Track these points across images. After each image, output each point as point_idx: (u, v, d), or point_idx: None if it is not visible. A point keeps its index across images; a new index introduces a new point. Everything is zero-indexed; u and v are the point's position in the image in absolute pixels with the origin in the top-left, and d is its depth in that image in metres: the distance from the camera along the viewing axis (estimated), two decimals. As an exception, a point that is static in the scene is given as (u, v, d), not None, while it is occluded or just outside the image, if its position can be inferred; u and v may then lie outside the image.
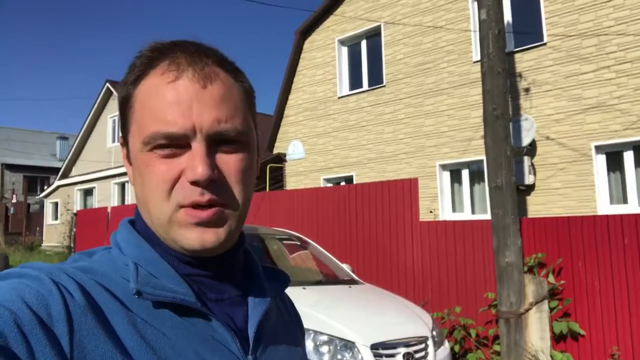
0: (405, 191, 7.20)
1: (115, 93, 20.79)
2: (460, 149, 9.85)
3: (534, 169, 8.72)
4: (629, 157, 8.09)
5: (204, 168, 0.65)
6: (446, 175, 10.27)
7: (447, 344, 4.77)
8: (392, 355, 4.06)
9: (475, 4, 6.34)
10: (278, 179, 13.30)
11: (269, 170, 12.78)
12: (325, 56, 12.58)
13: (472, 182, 9.98)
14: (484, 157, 6.24)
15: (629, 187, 8.06)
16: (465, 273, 6.46)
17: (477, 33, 6.16)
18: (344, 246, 7.69)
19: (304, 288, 4.80)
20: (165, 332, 0.65)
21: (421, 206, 7.98)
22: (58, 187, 24.39)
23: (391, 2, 11.28)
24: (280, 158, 13.14)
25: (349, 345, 3.99)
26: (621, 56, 8.04)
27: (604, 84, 8.18)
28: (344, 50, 12.51)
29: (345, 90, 12.27)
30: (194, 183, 0.66)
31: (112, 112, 21.57)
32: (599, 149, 8.27)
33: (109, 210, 13.16)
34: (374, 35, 11.84)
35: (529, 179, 8.62)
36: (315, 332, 4.03)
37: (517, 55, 9.12)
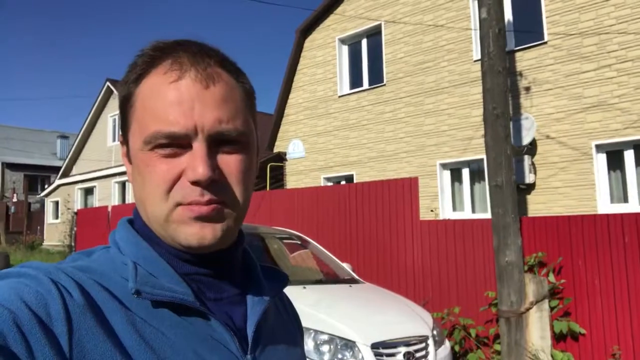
0: (405, 190, 7.20)
1: (115, 92, 20.79)
2: (461, 148, 9.85)
3: (534, 168, 8.72)
4: (629, 156, 8.09)
5: (205, 168, 0.65)
6: (446, 174, 10.27)
7: (447, 343, 4.77)
8: (393, 355, 4.06)
9: (476, 2, 6.33)
10: (278, 178, 13.30)
11: (269, 169, 12.79)
12: (325, 55, 12.58)
13: (473, 181, 9.98)
14: (484, 156, 6.24)
15: (630, 186, 8.05)
16: (465, 272, 6.46)
17: (478, 32, 6.16)
18: (344, 245, 7.69)
19: (305, 287, 4.80)
20: (164, 332, 0.65)
21: (421, 205, 7.98)
22: (59, 186, 24.41)
23: (391, 0, 11.27)
24: (281, 157, 13.14)
25: (349, 345, 3.99)
26: (622, 55, 8.04)
27: (604, 83, 8.17)
28: (345, 49, 12.51)
29: (346, 89, 12.27)
30: (195, 183, 0.66)
31: (112, 111, 21.58)
32: (599, 147, 8.26)
33: (109, 209, 13.16)
34: (374, 34, 11.83)
35: (529, 178, 8.62)
36: (316, 331, 4.03)
37: (517, 54, 9.11)
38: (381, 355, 4.01)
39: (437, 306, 6.48)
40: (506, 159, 5.73)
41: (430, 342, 4.33)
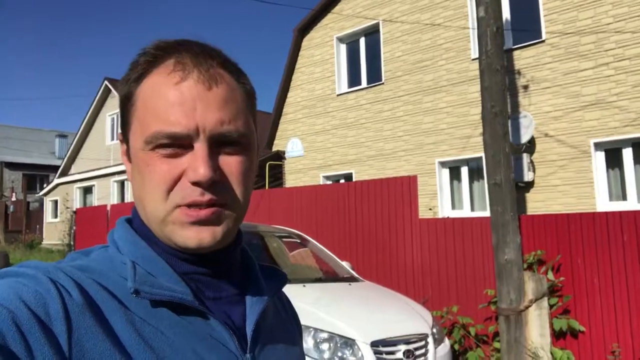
0: (404, 188, 7.21)
1: (114, 91, 20.78)
2: (459, 146, 9.85)
3: (533, 166, 8.73)
4: (627, 154, 8.10)
5: (206, 169, 0.65)
6: (445, 172, 10.27)
7: (447, 342, 4.77)
8: (393, 353, 4.06)
9: (474, 1, 6.34)
10: (277, 176, 13.30)
11: (268, 167, 12.79)
12: (323, 54, 12.57)
13: (472, 180, 9.98)
14: (483, 154, 6.24)
15: (628, 184, 8.06)
16: (464, 270, 6.46)
17: (476, 30, 6.15)
18: (343, 244, 7.69)
19: (304, 285, 4.80)
20: (163, 331, 0.65)
21: (420, 203, 7.99)
22: (57, 185, 24.39)
23: (390, -1, 11.27)
24: (280, 156, 13.14)
25: (349, 343, 4.00)
26: (620, 53, 8.04)
27: (602, 81, 8.18)
28: (343, 47, 12.50)
29: (344, 87, 12.27)
30: (196, 184, 0.66)
31: (110, 110, 21.55)
32: (597, 146, 8.27)
33: (108, 208, 13.15)
34: (372, 33, 11.83)
35: (528, 176, 8.62)
36: (316, 329, 4.03)
37: (515, 53, 9.11)
38: (381, 353, 4.01)
39: (437, 304, 6.48)
40: (505, 157, 5.73)
41: (430, 340, 4.33)
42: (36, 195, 28.03)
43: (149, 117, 0.68)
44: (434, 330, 4.51)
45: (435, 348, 4.35)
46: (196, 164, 0.65)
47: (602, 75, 8.19)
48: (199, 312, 0.69)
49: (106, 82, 21.16)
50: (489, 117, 5.82)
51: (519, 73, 9.07)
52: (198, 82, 0.67)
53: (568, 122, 8.50)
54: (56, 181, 24.44)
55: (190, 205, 0.67)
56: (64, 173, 23.98)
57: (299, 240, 6.17)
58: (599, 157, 8.30)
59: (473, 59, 9.58)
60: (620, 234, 5.41)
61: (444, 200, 10.15)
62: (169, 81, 0.67)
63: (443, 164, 10.24)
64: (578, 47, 8.47)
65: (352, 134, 11.77)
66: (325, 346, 3.99)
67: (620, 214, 5.49)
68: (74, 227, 14.78)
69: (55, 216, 24.38)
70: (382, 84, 11.29)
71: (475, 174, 9.91)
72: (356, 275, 5.78)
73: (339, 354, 3.96)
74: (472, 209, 9.85)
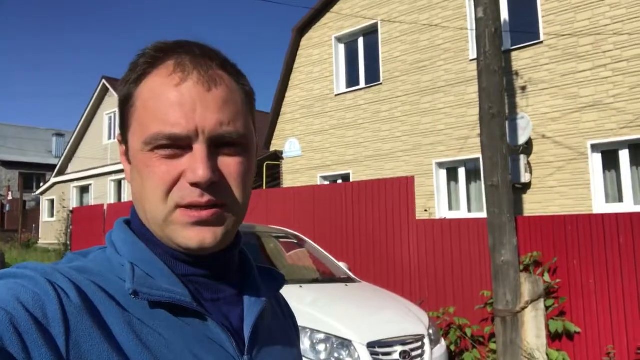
0: (402, 189, 7.21)
1: (111, 90, 20.73)
2: (457, 147, 9.87)
3: (530, 167, 8.74)
4: (624, 155, 8.12)
5: (205, 170, 0.65)
6: (443, 173, 10.29)
7: (443, 342, 4.78)
8: (389, 354, 4.06)
9: (472, 2, 6.36)
10: (275, 176, 13.30)
11: (265, 167, 12.78)
12: (322, 53, 12.57)
13: (469, 181, 10.00)
14: (480, 156, 6.25)
15: (625, 186, 8.08)
16: (461, 271, 6.47)
17: (474, 31, 6.17)
18: (340, 244, 7.69)
19: (301, 286, 4.80)
20: (161, 332, 0.65)
21: (418, 204, 7.99)
22: (54, 184, 24.34)
23: None
24: (277, 156, 13.14)
25: (345, 344, 4.00)
26: (617, 55, 8.06)
27: (600, 83, 8.20)
28: (341, 47, 12.50)
29: (342, 87, 12.27)
30: (195, 185, 0.66)
31: (108, 108, 21.50)
32: (594, 147, 8.29)
33: (105, 207, 13.12)
34: (371, 33, 11.83)
35: (525, 178, 8.64)
36: (312, 330, 4.03)
37: (513, 54, 9.13)
38: (377, 354, 4.01)
39: (433, 305, 6.49)
40: (502, 158, 5.74)
41: (426, 341, 4.34)
42: (33, 194, 27.97)
43: (148, 118, 0.68)
44: (431, 331, 4.52)
45: (432, 349, 4.36)
46: (195, 165, 0.66)
47: (599, 76, 8.21)
48: (197, 314, 0.69)
49: (104, 80, 21.12)
50: (487, 118, 5.82)
51: (516, 74, 9.08)
52: (197, 84, 0.67)
53: (565, 123, 8.52)
54: (53, 180, 24.38)
55: (190, 206, 0.67)
56: (61, 172, 23.93)
57: (295, 241, 6.17)
58: (596, 159, 8.33)
59: (471, 60, 9.60)
60: (616, 236, 5.43)
61: (441, 201, 10.16)
62: (168, 82, 0.68)
63: (440, 165, 10.26)
64: (576, 48, 8.49)
65: (350, 134, 11.77)
66: (321, 347, 3.99)
67: (617, 216, 5.51)
68: (71, 227, 14.75)
69: (52, 215, 24.32)
70: (380, 84, 11.30)
71: (472, 175, 9.93)
72: (353, 276, 5.78)
73: (336, 354, 3.96)
74: (469, 210, 9.86)
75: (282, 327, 0.87)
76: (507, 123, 6.04)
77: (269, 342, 0.78)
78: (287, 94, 13.26)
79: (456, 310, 6.26)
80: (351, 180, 11.16)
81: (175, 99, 0.67)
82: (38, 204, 26.41)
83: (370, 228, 7.45)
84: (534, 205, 8.72)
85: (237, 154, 0.70)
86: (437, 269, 6.68)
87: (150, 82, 0.69)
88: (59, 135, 32.94)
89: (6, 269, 0.64)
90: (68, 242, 16.01)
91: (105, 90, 21.45)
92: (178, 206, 0.67)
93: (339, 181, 11.66)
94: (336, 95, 12.20)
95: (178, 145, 0.67)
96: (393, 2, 11.17)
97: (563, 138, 8.51)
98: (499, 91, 5.84)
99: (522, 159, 8.63)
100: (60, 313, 0.57)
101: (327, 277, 5.61)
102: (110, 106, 21.20)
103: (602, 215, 5.62)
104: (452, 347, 6.07)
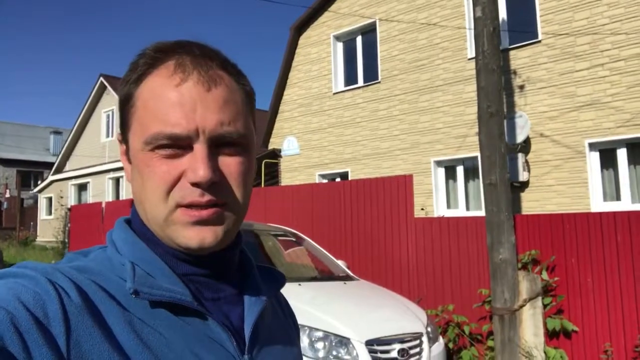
0: (400, 187, 7.22)
1: (109, 88, 20.68)
2: (455, 145, 9.87)
3: (528, 166, 8.76)
4: (622, 154, 8.14)
5: (206, 170, 0.65)
6: (441, 171, 10.29)
7: (441, 340, 4.79)
8: (387, 351, 4.07)
9: (470, 1, 6.36)
10: (273, 174, 13.29)
11: (264, 166, 12.78)
12: (320, 52, 12.56)
13: (467, 179, 10.00)
14: (478, 154, 6.26)
15: (622, 185, 8.10)
16: (459, 269, 6.48)
17: (472, 30, 6.17)
18: (339, 242, 7.70)
19: (299, 284, 4.81)
20: (162, 332, 0.65)
21: (416, 203, 8.00)
22: (52, 182, 24.29)
23: (387, -2, 11.27)
24: (275, 154, 13.13)
25: (344, 342, 4.01)
26: (615, 54, 8.07)
27: (597, 82, 8.21)
28: (339, 46, 12.49)
29: (341, 86, 12.26)
30: (195, 185, 0.66)
31: (106, 106, 21.45)
32: (592, 146, 8.31)
33: (103, 205, 13.09)
34: (369, 32, 11.82)
35: (523, 176, 8.65)
36: (311, 328, 4.04)
37: (511, 53, 9.13)
38: (375, 352, 4.02)
39: (431, 303, 6.50)
40: (500, 157, 5.75)
41: (425, 339, 4.35)
42: (30, 192, 27.94)
43: (148, 118, 0.68)
44: (429, 329, 4.53)
45: (430, 347, 4.37)
46: (196, 165, 0.66)
47: (597, 75, 8.22)
48: (197, 313, 0.69)
49: (102, 78, 21.05)
50: (485, 117, 5.83)
51: (514, 73, 9.09)
52: (198, 84, 0.68)
53: (563, 122, 8.53)
54: (51, 178, 24.34)
55: (190, 206, 0.67)
56: (59, 170, 23.89)
57: (294, 239, 6.17)
58: (594, 158, 8.34)
59: (469, 59, 9.60)
60: (614, 234, 5.44)
61: (439, 200, 10.17)
62: (169, 82, 0.68)
63: (439, 163, 10.26)
64: (574, 47, 8.50)
65: (348, 133, 11.77)
66: (320, 345, 4.00)
67: (614, 214, 5.52)
68: (69, 225, 14.73)
69: (50, 213, 24.29)
70: (379, 82, 11.30)
71: (470, 173, 9.94)
72: (351, 274, 5.79)
73: (334, 352, 3.97)
74: (467, 209, 9.87)
75: (283, 326, 0.87)
76: (505, 122, 6.05)
77: (269, 342, 0.79)
78: (286, 92, 13.25)
79: (454, 308, 6.27)
80: (349, 178, 11.17)
81: (176, 99, 0.67)
82: (36, 202, 26.37)
83: (368, 226, 7.45)
84: (532, 203, 8.73)
85: (238, 153, 0.70)
86: (436, 267, 6.69)
87: (150, 82, 0.69)
88: (57, 133, 32.89)
89: (6, 268, 0.64)
90: (66, 240, 15.99)
91: (103, 88, 21.39)
92: (178, 206, 0.67)
93: (337, 179, 11.65)
94: (334, 93, 12.20)
95: (178, 145, 0.67)
96: (391, 1, 11.17)
97: (561, 137, 8.52)
98: (497, 90, 5.84)
99: (520, 157, 8.64)
100: (60, 313, 0.57)
101: (326, 275, 5.61)
102: (108, 104, 21.15)
103: (600, 214, 5.63)
104: (450, 345, 6.09)
